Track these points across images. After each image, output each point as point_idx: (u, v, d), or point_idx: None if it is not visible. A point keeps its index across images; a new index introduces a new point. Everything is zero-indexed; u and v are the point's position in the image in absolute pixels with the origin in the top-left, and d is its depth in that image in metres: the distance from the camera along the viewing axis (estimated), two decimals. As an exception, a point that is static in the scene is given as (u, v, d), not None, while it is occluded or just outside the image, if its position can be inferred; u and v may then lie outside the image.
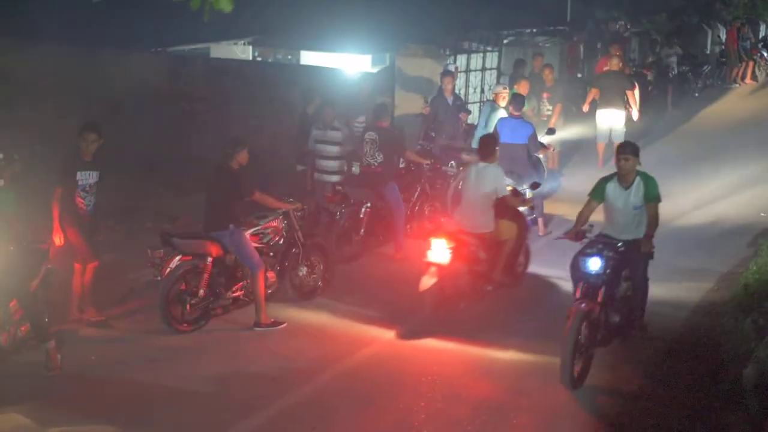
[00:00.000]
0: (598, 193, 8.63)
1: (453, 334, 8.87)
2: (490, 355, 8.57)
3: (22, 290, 7.96)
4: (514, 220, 9.95)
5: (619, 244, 8.30)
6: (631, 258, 8.33)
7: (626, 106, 15.90)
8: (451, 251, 9.10)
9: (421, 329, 9.01)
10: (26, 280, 8.00)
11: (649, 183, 8.46)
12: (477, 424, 7.16)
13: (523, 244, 10.17)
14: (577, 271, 8.12)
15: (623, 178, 8.46)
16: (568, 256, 8.38)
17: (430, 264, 9.17)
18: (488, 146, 9.86)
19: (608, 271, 8.03)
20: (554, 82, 15.90)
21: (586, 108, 16.04)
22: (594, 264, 8.01)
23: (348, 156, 12.20)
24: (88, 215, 8.98)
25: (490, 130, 12.80)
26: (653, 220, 8.44)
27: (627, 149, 8.47)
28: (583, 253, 8.13)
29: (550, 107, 15.54)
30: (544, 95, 15.59)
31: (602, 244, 8.23)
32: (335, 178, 12.07)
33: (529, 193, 11.29)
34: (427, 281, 9.13)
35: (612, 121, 15.81)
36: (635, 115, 16.04)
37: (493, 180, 9.57)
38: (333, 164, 12.14)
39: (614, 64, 16.30)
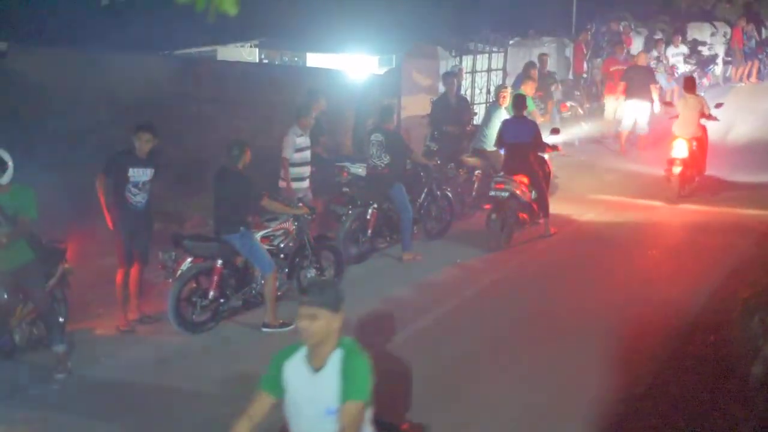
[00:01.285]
0: (271, 379, 4.82)
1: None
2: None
3: (39, 290, 8.04)
4: (703, 130, 14.87)
5: None
6: None
7: (650, 98, 17.43)
8: (687, 149, 14.21)
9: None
10: (43, 280, 8.09)
11: (350, 361, 4.61)
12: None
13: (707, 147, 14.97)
14: None
15: (312, 353, 4.69)
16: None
17: (674, 159, 14.28)
18: (691, 84, 15.10)
19: None
20: (541, 81, 16.34)
21: (619, 98, 17.66)
22: None
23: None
24: (138, 212, 9.11)
25: (492, 129, 12.95)
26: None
27: (315, 297, 4.63)
28: None
29: (543, 105, 15.85)
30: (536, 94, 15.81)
31: None
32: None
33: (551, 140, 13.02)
34: (676, 169, 14.27)
35: (638, 111, 17.30)
36: (657, 107, 17.50)
37: (700, 104, 14.67)
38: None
39: (641, 59, 18.02)
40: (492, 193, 11.93)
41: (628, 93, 17.29)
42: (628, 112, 17.46)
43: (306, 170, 11.34)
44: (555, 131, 13.39)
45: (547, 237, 12.34)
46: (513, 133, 12.22)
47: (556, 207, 12.94)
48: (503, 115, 13.36)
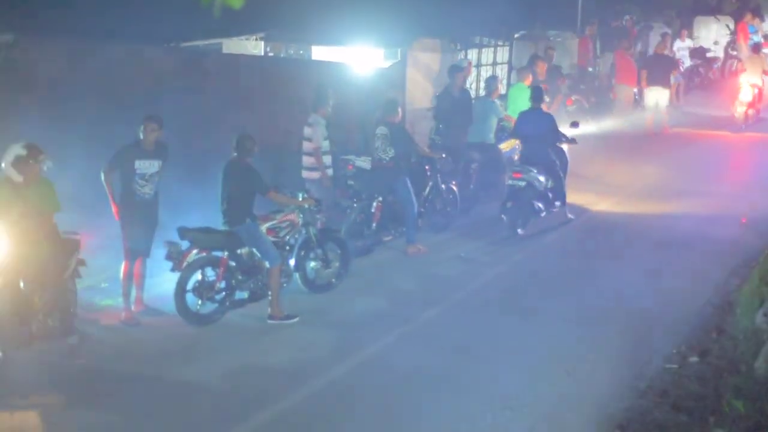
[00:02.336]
0: None
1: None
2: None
3: (55, 282, 8.12)
4: (763, 82, 19.59)
5: None
6: None
7: (670, 84, 19.35)
8: (751, 94, 18.83)
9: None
10: (60, 272, 8.16)
11: None
12: None
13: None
14: None
15: None
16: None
17: (741, 101, 18.92)
18: (758, 47, 20.69)
19: None
20: (547, 75, 16.28)
21: (644, 85, 19.18)
22: None
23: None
24: (145, 204, 9.16)
25: (489, 123, 13.36)
26: None
27: None
28: None
29: (548, 99, 15.80)
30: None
31: None
32: None
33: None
34: (741, 108, 19.01)
35: (657, 97, 18.83)
36: (679, 78, 20.83)
37: (762, 62, 19.61)
38: None
39: (661, 48, 19.75)
40: (509, 182, 12.09)
41: (649, 80, 18.78)
42: (649, 98, 18.91)
43: (328, 159, 11.47)
44: (574, 124, 13.52)
45: (566, 223, 12.59)
46: (530, 125, 12.42)
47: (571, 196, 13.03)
48: (497, 107, 13.47)
